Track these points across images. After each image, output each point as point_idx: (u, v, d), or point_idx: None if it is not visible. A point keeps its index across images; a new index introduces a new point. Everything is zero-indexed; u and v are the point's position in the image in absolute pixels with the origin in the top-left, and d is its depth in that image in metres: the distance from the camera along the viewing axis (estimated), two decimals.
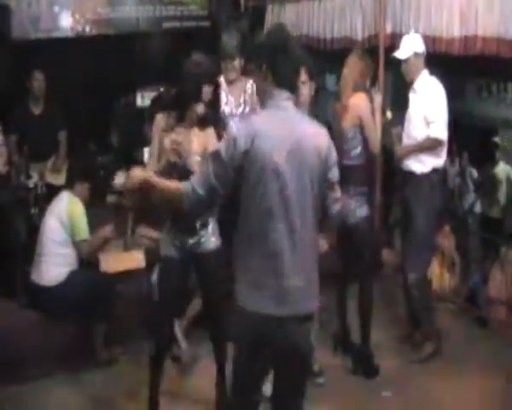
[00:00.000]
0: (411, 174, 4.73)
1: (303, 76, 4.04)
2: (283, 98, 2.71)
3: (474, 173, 7.45)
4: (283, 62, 2.71)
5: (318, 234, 2.85)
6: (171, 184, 2.97)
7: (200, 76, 3.70)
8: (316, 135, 2.77)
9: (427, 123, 4.62)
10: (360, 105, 4.45)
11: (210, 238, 3.85)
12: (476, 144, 7.64)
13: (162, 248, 3.87)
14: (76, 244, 4.65)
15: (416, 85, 4.72)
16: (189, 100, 3.73)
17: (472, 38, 4.95)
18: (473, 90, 9.18)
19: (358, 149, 4.48)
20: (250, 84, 5.00)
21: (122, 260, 5.06)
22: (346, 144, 4.44)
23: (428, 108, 4.62)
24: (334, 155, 2.82)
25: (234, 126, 2.70)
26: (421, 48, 4.70)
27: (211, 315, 4.05)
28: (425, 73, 4.72)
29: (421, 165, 4.70)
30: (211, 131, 3.85)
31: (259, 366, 2.87)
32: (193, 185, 2.73)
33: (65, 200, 4.70)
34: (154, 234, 5.00)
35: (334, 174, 2.85)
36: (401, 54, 4.69)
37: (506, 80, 8.82)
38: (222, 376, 4.03)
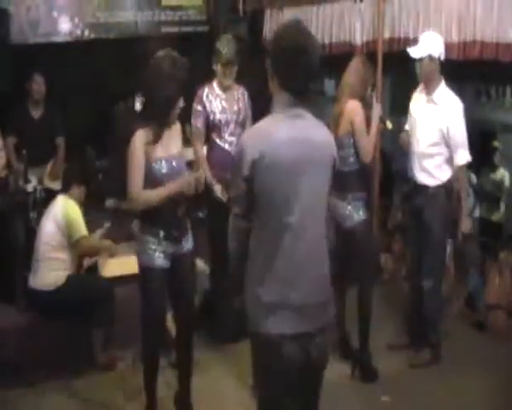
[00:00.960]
0: (425, 186, 4.67)
1: None
2: (293, 103, 2.56)
3: (473, 178, 7.44)
4: (294, 66, 2.51)
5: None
6: None
7: (181, 75, 3.54)
8: (328, 138, 2.69)
9: (448, 142, 4.53)
10: (353, 112, 4.41)
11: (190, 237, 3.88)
12: (475, 149, 7.63)
13: (145, 259, 3.73)
14: (75, 243, 4.63)
15: (435, 98, 4.57)
16: (173, 103, 3.60)
17: (471, 43, 4.95)
18: (471, 95, 9.21)
19: (354, 155, 4.46)
20: (242, 91, 4.99)
21: (120, 265, 5.05)
22: (342, 151, 4.39)
23: (454, 131, 4.50)
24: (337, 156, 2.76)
25: (243, 136, 2.65)
26: (437, 51, 4.50)
27: (183, 317, 3.96)
28: (443, 84, 4.58)
29: (436, 179, 4.64)
30: (176, 126, 3.78)
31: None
32: (238, 225, 2.64)
33: (60, 203, 4.70)
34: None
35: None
36: (415, 52, 4.51)
37: (505, 85, 8.85)
38: (187, 391, 3.99)
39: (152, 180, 3.60)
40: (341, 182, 4.46)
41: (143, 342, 3.95)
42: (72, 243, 4.63)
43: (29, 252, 4.74)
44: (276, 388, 2.61)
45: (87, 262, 5.04)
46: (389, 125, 4.69)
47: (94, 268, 5.04)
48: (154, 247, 3.69)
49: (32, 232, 4.90)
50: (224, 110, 4.82)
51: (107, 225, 4.94)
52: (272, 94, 2.66)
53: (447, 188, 4.67)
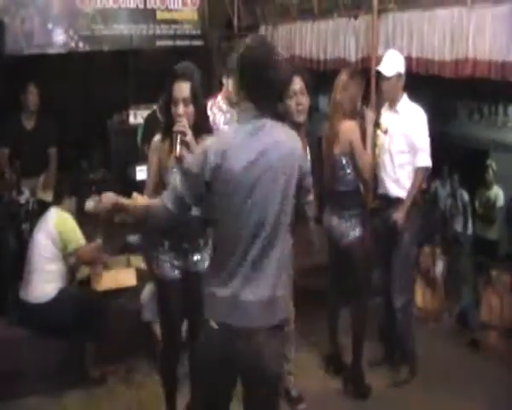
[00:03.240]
0: (397, 199, 4.64)
1: (298, 84, 4.03)
2: (257, 114, 2.63)
3: (465, 196, 7.48)
4: (259, 80, 2.61)
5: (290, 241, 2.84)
6: (141, 204, 2.96)
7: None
8: (289, 145, 2.71)
9: (413, 149, 4.56)
10: (350, 132, 4.38)
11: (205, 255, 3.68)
12: (468, 167, 7.68)
13: (161, 271, 3.65)
14: (70, 255, 4.61)
15: (398, 108, 4.64)
16: None
17: (463, 61, 4.99)
18: (464, 113, 9.26)
19: (351, 175, 4.44)
20: None
21: (113, 278, 5.05)
22: (339, 172, 4.41)
23: (416, 135, 4.55)
24: (307, 163, 2.83)
25: (207, 141, 2.70)
26: (403, 69, 4.61)
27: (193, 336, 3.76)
28: (405, 96, 4.65)
29: (407, 190, 4.63)
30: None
31: (224, 387, 2.80)
32: (162, 201, 2.74)
33: (53, 215, 4.68)
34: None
35: (309, 181, 2.86)
36: (387, 70, 4.57)
37: (497, 103, 8.90)
38: None
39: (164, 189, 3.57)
40: (338, 200, 4.50)
41: (160, 353, 3.91)
42: (67, 255, 4.61)
43: (21, 264, 4.71)
44: (211, 377, 2.74)
45: (79, 275, 5.02)
46: (383, 128, 4.69)
47: (86, 281, 5.02)
48: (161, 257, 3.64)
49: (24, 244, 4.88)
50: (226, 123, 4.84)
51: (99, 240, 4.91)
52: (238, 105, 2.77)
53: (417, 201, 4.67)
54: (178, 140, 3.35)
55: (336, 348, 4.88)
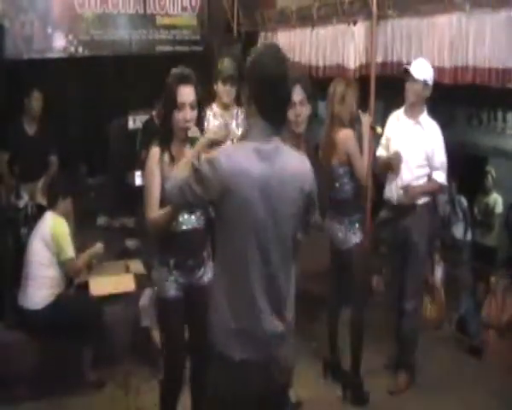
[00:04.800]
0: (412, 206, 4.69)
1: (300, 94, 4.00)
2: (269, 133, 2.51)
3: (464, 202, 7.46)
4: (272, 95, 2.48)
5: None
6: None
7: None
8: (299, 169, 2.60)
9: (431, 165, 4.64)
10: (347, 141, 4.41)
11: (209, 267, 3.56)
12: (466, 173, 7.68)
13: (158, 289, 3.53)
14: (61, 263, 4.61)
15: (422, 121, 4.69)
16: None
17: (463, 68, 4.99)
18: (463, 119, 9.26)
19: (350, 184, 4.48)
20: (241, 111, 5.01)
21: (111, 283, 5.04)
22: (338, 181, 4.46)
23: (437, 153, 4.63)
24: (315, 187, 2.67)
25: (220, 159, 2.47)
26: (431, 80, 4.65)
27: (196, 356, 3.65)
28: (425, 109, 4.71)
29: (421, 199, 4.70)
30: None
31: None
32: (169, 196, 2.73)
33: (49, 220, 4.67)
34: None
35: (316, 203, 2.72)
36: (416, 73, 4.58)
37: (496, 109, 8.91)
38: None
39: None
40: (338, 208, 4.53)
41: (164, 370, 3.74)
42: (60, 262, 4.61)
43: (19, 268, 4.71)
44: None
45: (77, 280, 5.01)
46: (379, 129, 4.71)
47: (84, 286, 5.01)
48: (165, 276, 3.48)
49: (22, 249, 4.88)
50: (219, 126, 4.84)
51: (100, 245, 4.91)
52: (248, 119, 2.63)
53: (430, 208, 4.79)
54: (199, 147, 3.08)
55: (335, 354, 4.87)
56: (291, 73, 2.57)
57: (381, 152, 4.92)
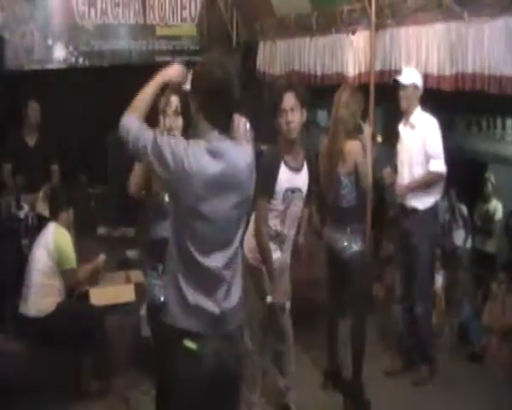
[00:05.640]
0: (414, 210, 4.80)
1: (291, 102, 3.91)
2: (218, 134, 2.65)
3: (464, 209, 7.47)
4: (216, 103, 2.63)
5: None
6: None
7: None
8: (247, 164, 2.75)
9: (428, 158, 4.72)
10: (356, 154, 4.39)
11: None
12: (466, 180, 7.69)
13: (148, 294, 3.55)
14: (63, 273, 4.61)
15: (413, 120, 4.82)
16: None
17: (462, 75, 5.01)
18: (463, 126, 9.28)
19: (354, 193, 4.46)
20: (243, 121, 5.01)
21: (112, 293, 5.04)
22: (343, 189, 4.44)
23: (429, 144, 4.72)
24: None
25: (183, 156, 2.57)
26: (420, 83, 4.83)
27: None
28: (419, 108, 4.82)
29: (424, 201, 4.79)
30: None
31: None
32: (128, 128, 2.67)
33: (51, 231, 4.68)
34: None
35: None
36: (404, 79, 4.78)
37: (495, 116, 8.93)
38: None
39: (159, 210, 3.51)
40: (340, 216, 4.51)
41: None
42: (61, 272, 4.61)
43: (20, 278, 4.71)
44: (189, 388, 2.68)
45: (78, 290, 5.01)
46: (379, 138, 4.77)
47: (84, 295, 5.01)
48: (154, 281, 3.49)
49: (23, 259, 4.88)
50: None
51: (102, 257, 4.91)
52: (195, 124, 2.74)
53: (434, 212, 4.88)
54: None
55: (335, 362, 4.86)
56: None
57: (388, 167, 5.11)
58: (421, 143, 4.74)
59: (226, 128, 2.71)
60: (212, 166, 2.59)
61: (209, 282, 2.67)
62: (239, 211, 2.72)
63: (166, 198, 3.35)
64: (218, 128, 2.65)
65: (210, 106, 2.64)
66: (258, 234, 3.96)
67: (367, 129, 4.54)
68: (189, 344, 2.63)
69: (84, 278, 4.84)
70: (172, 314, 2.68)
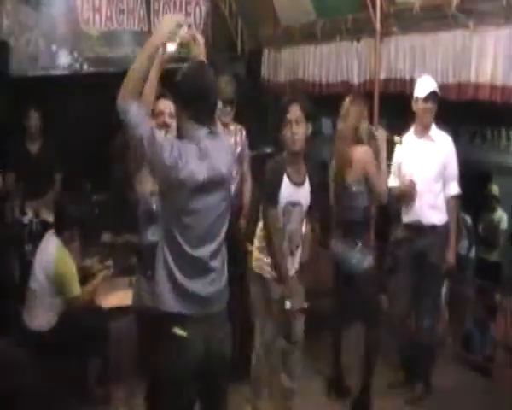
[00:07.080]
0: (432, 226, 4.71)
1: (296, 113, 3.90)
2: (202, 131, 2.87)
3: (468, 220, 7.45)
4: (200, 105, 2.87)
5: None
6: None
7: None
8: (229, 158, 3.04)
9: (446, 178, 4.69)
10: (364, 158, 4.33)
11: None
12: (470, 190, 7.67)
13: (134, 299, 3.65)
14: (67, 300, 4.50)
15: (432, 135, 4.71)
16: None
17: (466, 85, 5.01)
18: (467, 137, 9.27)
19: (365, 205, 4.41)
20: (240, 128, 5.02)
21: (116, 298, 5.02)
22: (353, 201, 4.38)
23: (449, 163, 4.68)
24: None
25: (176, 158, 2.76)
26: (437, 91, 4.67)
27: None
28: (434, 125, 4.73)
29: (441, 216, 4.73)
30: None
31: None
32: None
33: (52, 249, 4.52)
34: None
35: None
36: (421, 92, 4.62)
37: (500, 126, 8.92)
38: None
39: (147, 215, 3.59)
40: (352, 230, 4.44)
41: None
42: (66, 299, 4.50)
43: (24, 285, 4.68)
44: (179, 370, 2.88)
45: None
46: (397, 139, 4.59)
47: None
48: (143, 286, 3.51)
49: (27, 265, 4.86)
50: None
51: (109, 264, 4.90)
52: (180, 125, 2.96)
53: (448, 227, 4.76)
54: None
55: (339, 373, 4.84)
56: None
57: (392, 183, 4.84)
58: (440, 160, 4.66)
59: (209, 125, 2.91)
60: (202, 170, 2.81)
61: (198, 269, 2.90)
62: (225, 203, 2.98)
63: (155, 206, 3.50)
64: (202, 125, 2.87)
65: (192, 108, 2.87)
66: (269, 241, 3.93)
67: (381, 133, 4.44)
68: (179, 331, 2.85)
69: (88, 298, 4.76)
70: (165, 301, 2.89)
